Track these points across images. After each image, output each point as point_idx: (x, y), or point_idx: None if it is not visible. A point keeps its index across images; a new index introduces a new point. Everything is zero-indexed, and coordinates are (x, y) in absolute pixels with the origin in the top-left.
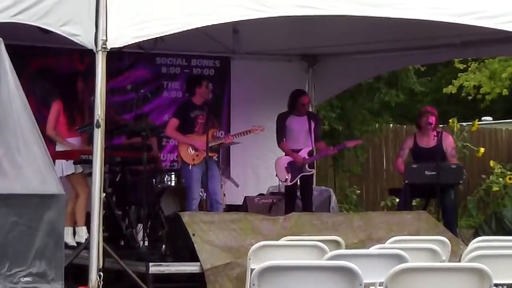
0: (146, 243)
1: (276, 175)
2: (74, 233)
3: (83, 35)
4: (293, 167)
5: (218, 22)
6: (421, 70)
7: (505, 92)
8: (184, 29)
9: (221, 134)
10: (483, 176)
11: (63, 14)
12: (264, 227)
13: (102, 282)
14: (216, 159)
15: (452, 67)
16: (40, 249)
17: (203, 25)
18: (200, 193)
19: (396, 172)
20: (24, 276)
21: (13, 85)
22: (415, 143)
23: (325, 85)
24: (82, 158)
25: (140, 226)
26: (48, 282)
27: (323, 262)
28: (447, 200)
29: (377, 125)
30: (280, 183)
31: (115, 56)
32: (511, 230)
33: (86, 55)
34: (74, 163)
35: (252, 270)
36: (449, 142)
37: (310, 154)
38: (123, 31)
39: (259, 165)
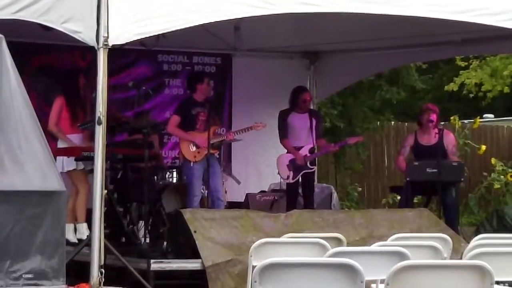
0: (148, 240)
1: (278, 173)
2: (75, 230)
3: (84, 32)
4: (295, 165)
5: (220, 19)
6: (422, 68)
7: (506, 89)
8: (186, 26)
9: (223, 131)
10: (485, 173)
11: (64, 11)
12: (265, 224)
13: (103, 279)
14: (218, 156)
15: (454, 64)
16: (41, 245)
17: (205, 22)
18: (202, 190)
19: (397, 170)
20: (26, 273)
21: (14, 82)
22: (416, 140)
23: (326, 82)
24: (84, 155)
25: (141, 223)
26: (49, 278)
27: (324, 259)
28: (449, 197)
29: (378, 122)
30: (282, 180)
31: (117, 53)
32: None
33: (87, 52)
34: (75, 160)
35: (253, 267)
36: (450, 140)
37: (311, 151)
38: (124, 28)
39: (261, 162)
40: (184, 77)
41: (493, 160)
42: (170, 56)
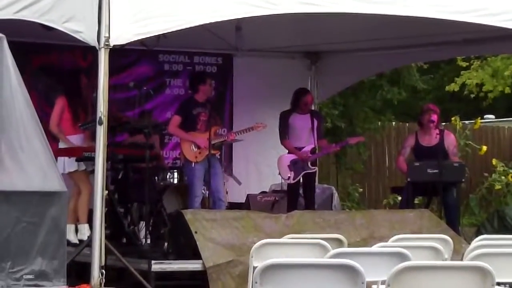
0: (149, 241)
1: (279, 173)
2: (76, 231)
3: (85, 32)
4: (296, 165)
5: (221, 19)
6: (423, 68)
7: (507, 90)
8: (187, 26)
9: (224, 131)
10: (486, 174)
11: (65, 11)
12: (266, 225)
13: (104, 280)
14: (219, 157)
15: (455, 65)
16: (42, 246)
17: (206, 22)
18: (203, 191)
19: (398, 171)
20: (27, 274)
21: (15, 82)
22: (416, 141)
23: (327, 83)
24: (85, 155)
25: (142, 223)
26: (50, 279)
27: (325, 260)
28: (450, 198)
29: (379, 122)
30: (283, 181)
31: (118, 53)
32: None
33: (88, 52)
34: (76, 160)
35: (254, 268)
36: (450, 140)
37: (312, 151)
38: (125, 28)
39: (262, 163)
40: (185, 77)
41: (494, 161)
42: (171, 56)
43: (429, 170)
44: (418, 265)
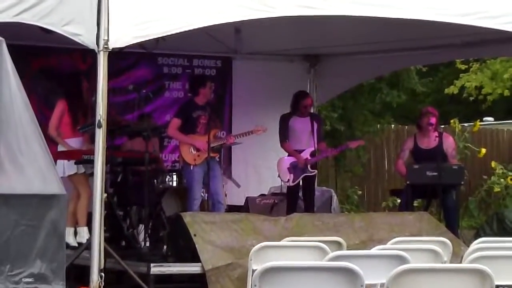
0: (148, 244)
1: (279, 176)
2: (76, 234)
3: (85, 35)
4: (296, 168)
5: (220, 22)
6: (422, 71)
7: (506, 92)
8: (186, 29)
9: (223, 134)
10: (485, 177)
11: (65, 14)
12: (265, 228)
13: (103, 283)
14: (218, 159)
15: (454, 67)
16: (41, 249)
17: (205, 25)
18: (202, 194)
19: (397, 174)
20: (26, 277)
21: (14, 85)
22: (415, 144)
23: (326, 86)
24: (84, 158)
25: (141, 226)
26: (49, 282)
27: (324, 263)
28: (449, 200)
29: (378, 125)
30: (283, 183)
31: (117, 56)
32: None
33: (88, 55)
34: (75, 163)
35: (253, 270)
36: (449, 143)
37: (312, 154)
38: (124, 31)
39: (261, 165)
40: (185, 80)
41: (493, 163)
42: (170, 59)
43: (428, 173)
44: (417, 268)
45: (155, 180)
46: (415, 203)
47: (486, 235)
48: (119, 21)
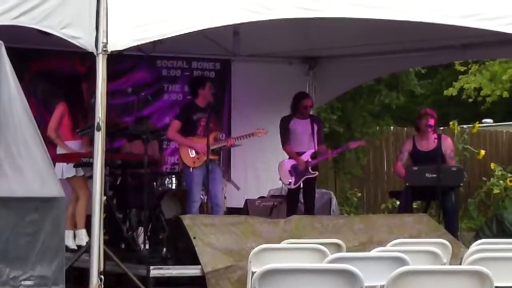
0: (147, 246)
1: (280, 179)
2: (75, 236)
3: (83, 38)
4: (297, 170)
5: (219, 24)
6: (421, 72)
7: (505, 94)
8: (185, 31)
9: (222, 136)
10: (484, 178)
11: (64, 17)
12: (265, 230)
13: (103, 285)
14: (217, 162)
15: (453, 69)
16: (41, 252)
17: (204, 28)
18: (201, 196)
19: (396, 176)
20: (25, 279)
21: (13, 88)
22: (414, 146)
23: (325, 88)
24: (83, 161)
25: (140, 229)
26: (48, 285)
27: (324, 265)
28: (448, 202)
29: (377, 127)
30: (284, 186)
31: (116, 59)
32: None
33: (86, 58)
34: (74, 166)
35: (253, 273)
36: (448, 145)
37: (313, 156)
38: (123, 34)
39: (260, 168)
40: (183, 82)
41: (492, 165)
42: (169, 61)
43: (427, 175)
44: (417, 270)
45: (155, 183)
46: (415, 205)
47: (485, 236)
48: (118, 24)
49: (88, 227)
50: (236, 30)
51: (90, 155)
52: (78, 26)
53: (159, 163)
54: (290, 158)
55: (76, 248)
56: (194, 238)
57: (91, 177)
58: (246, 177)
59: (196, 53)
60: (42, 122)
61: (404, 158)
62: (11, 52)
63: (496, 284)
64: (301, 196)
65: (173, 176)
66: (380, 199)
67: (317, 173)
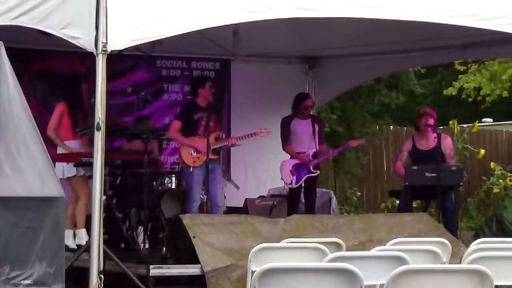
0: (147, 246)
1: (281, 178)
2: (75, 236)
3: (83, 38)
4: (298, 170)
5: (218, 24)
6: (421, 72)
7: (505, 93)
8: (184, 31)
9: (223, 136)
10: (484, 177)
11: (63, 17)
12: (264, 229)
13: (102, 285)
14: (218, 161)
15: (452, 68)
16: (40, 252)
17: (203, 28)
18: (201, 196)
19: (396, 176)
20: (25, 279)
21: (13, 88)
22: (413, 145)
23: (325, 87)
24: (83, 160)
25: (140, 228)
26: (48, 285)
27: (323, 264)
28: (448, 201)
29: (377, 127)
30: (285, 185)
31: (115, 59)
32: None
33: (86, 58)
34: (74, 166)
35: (253, 272)
36: (447, 144)
37: (314, 156)
38: (123, 34)
39: (260, 167)
40: (183, 82)
41: (492, 164)
42: (169, 61)
43: (427, 174)
44: (417, 269)
45: (154, 182)
46: (414, 204)
47: (485, 235)
48: (118, 24)
49: (88, 226)
50: (235, 30)
51: (90, 154)
52: (78, 26)
53: (158, 162)
54: (291, 157)
55: (76, 247)
56: (194, 237)
57: (91, 176)
58: (246, 177)
59: (195, 53)
60: (42, 122)
61: (404, 158)
62: (11, 52)
63: (495, 283)
64: (302, 195)
65: (173, 175)
66: (379, 198)
67: (318, 171)
